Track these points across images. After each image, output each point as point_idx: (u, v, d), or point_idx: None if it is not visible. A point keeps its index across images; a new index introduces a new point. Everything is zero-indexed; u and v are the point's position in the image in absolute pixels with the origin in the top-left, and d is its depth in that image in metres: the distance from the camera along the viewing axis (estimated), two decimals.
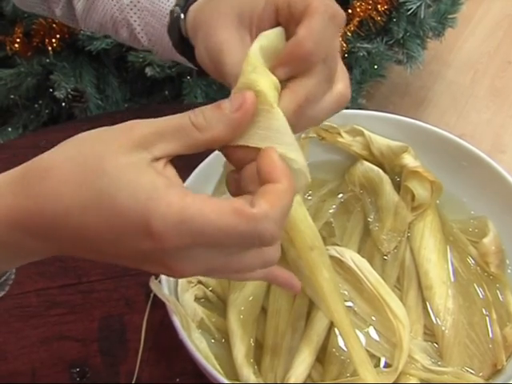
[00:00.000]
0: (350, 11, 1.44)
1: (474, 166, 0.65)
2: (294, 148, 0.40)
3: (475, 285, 0.62)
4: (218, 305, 0.60)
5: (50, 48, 1.30)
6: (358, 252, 0.62)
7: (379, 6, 1.48)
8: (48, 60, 1.33)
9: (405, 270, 0.63)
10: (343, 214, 0.67)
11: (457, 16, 1.65)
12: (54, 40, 1.30)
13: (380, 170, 0.66)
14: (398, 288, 0.62)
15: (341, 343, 0.57)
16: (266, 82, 0.40)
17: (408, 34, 1.57)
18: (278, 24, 0.46)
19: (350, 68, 1.52)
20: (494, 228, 0.64)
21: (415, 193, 0.64)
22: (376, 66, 1.56)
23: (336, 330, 0.57)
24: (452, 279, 0.62)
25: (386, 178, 0.66)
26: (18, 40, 1.30)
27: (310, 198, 0.68)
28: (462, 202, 0.67)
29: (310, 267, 0.52)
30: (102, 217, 0.36)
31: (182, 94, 1.34)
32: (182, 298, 0.57)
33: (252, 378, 0.54)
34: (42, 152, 0.40)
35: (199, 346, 0.55)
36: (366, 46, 1.50)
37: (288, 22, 0.45)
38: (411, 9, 1.50)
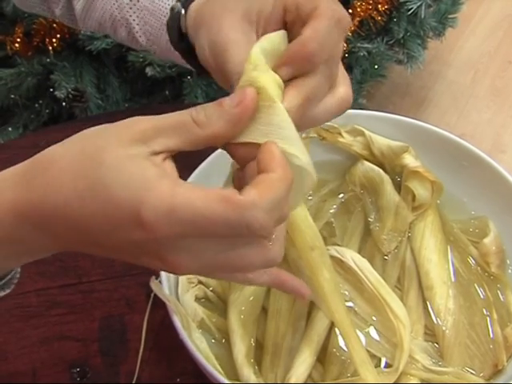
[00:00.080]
0: (350, 11, 1.44)
1: (474, 166, 0.65)
2: (296, 143, 0.39)
3: (476, 285, 0.62)
4: (218, 305, 0.60)
5: (50, 48, 1.31)
6: (359, 252, 0.62)
7: (380, 6, 1.48)
8: (48, 60, 1.33)
9: (405, 270, 0.63)
10: (344, 214, 0.67)
11: (457, 16, 1.65)
12: (54, 40, 1.30)
13: (381, 170, 0.66)
14: (399, 288, 0.62)
15: (341, 343, 0.57)
16: (267, 78, 0.41)
17: (408, 33, 1.57)
18: (284, 24, 0.47)
19: (350, 68, 1.52)
20: (495, 228, 0.64)
21: (416, 193, 0.64)
22: (376, 66, 1.56)
23: (336, 330, 0.57)
24: (453, 279, 0.62)
25: (386, 178, 0.66)
26: (19, 40, 1.30)
27: (310, 198, 0.68)
28: (462, 202, 0.67)
29: (311, 267, 0.52)
30: (97, 207, 0.37)
31: (183, 93, 1.34)
32: (183, 298, 0.57)
33: (252, 378, 0.54)
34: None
35: (200, 346, 0.55)
36: (366, 45, 1.50)
37: (294, 23, 0.45)
38: (412, 9, 1.50)
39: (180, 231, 0.36)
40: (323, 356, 0.57)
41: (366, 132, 0.67)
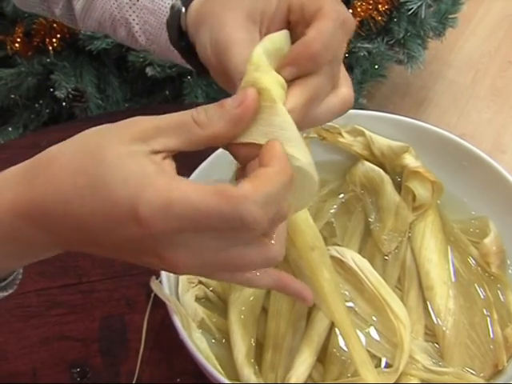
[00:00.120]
0: (350, 11, 1.44)
1: (474, 166, 0.65)
2: (297, 145, 0.39)
3: (476, 285, 0.62)
4: (218, 305, 0.60)
5: (50, 48, 1.30)
6: (359, 252, 0.62)
7: (380, 6, 1.48)
8: (48, 60, 1.33)
9: (406, 271, 0.63)
10: (344, 214, 0.67)
11: (457, 16, 1.65)
12: (54, 40, 1.30)
13: (381, 170, 0.66)
14: (399, 288, 0.62)
15: (342, 343, 0.57)
16: (269, 79, 0.41)
17: (409, 33, 1.57)
18: (288, 24, 0.47)
19: (350, 68, 1.52)
20: (495, 228, 0.64)
21: (416, 193, 0.64)
22: (377, 66, 1.56)
23: (337, 330, 0.57)
24: (453, 279, 0.62)
25: (386, 178, 0.66)
26: (19, 40, 1.30)
27: None
28: (462, 202, 0.67)
29: (311, 267, 0.52)
30: (97, 205, 0.37)
31: (183, 93, 1.34)
32: (183, 298, 0.57)
33: (253, 378, 0.54)
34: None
35: (200, 346, 0.55)
36: (366, 45, 1.50)
37: (298, 23, 0.46)
38: (412, 9, 1.50)
39: (176, 226, 0.35)
40: (323, 356, 0.57)
41: (367, 132, 0.67)
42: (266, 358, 0.57)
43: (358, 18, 1.45)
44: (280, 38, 0.44)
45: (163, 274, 0.56)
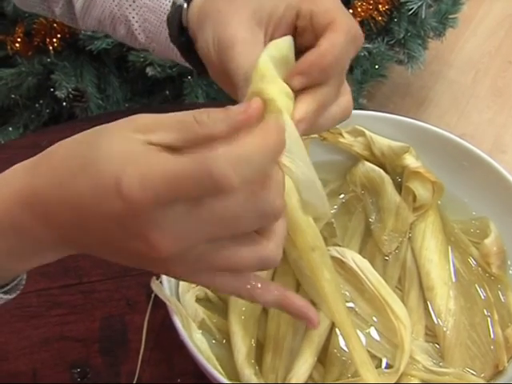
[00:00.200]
0: (350, 11, 1.44)
1: (475, 167, 0.65)
2: (295, 157, 0.40)
3: (477, 286, 0.62)
4: (219, 305, 0.60)
5: (50, 47, 1.31)
6: (360, 252, 0.62)
7: (380, 6, 1.48)
8: (49, 59, 1.33)
9: (406, 271, 0.63)
10: (344, 215, 0.67)
11: (458, 16, 1.65)
12: (54, 39, 1.30)
13: (381, 171, 0.66)
14: (400, 289, 0.62)
15: (342, 344, 0.57)
16: (275, 89, 0.41)
17: (409, 34, 1.57)
18: (295, 29, 0.47)
19: (351, 68, 1.51)
20: (496, 229, 0.64)
21: (417, 193, 0.64)
22: (377, 66, 1.56)
23: (337, 330, 0.57)
24: (453, 280, 0.62)
25: (387, 179, 0.66)
26: (19, 39, 1.30)
27: None
28: (463, 202, 0.67)
29: (311, 268, 0.52)
30: (86, 182, 0.37)
31: (183, 93, 1.34)
32: (183, 298, 0.57)
33: (253, 378, 0.54)
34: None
35: (200, 347, 0.55)
36: (367, 45, 1.50)
37: (305, 30, 0.47)
38: (412, 9, 1.50)
39: (152, 195, 0.35)
40: (324, 356, 0.57)
41: (367, 132, 0.67)
42: (266, 358, 0.57)
43: (359, 18, 1.45)
44: (285, 44, 0.45)
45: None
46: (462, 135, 0.72)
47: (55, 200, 0.39)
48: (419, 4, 1.49)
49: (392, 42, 1.57)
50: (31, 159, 0.41)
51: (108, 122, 0.40)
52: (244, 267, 0.40)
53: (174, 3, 0.57)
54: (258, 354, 0.57)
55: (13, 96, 1.34)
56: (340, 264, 0.59)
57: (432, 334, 0.59)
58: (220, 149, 0.35)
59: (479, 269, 0.63)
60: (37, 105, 1.39)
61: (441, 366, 0.57)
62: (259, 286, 0.43)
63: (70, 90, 1.30)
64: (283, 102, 0.41)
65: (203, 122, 0.38)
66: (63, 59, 1.34)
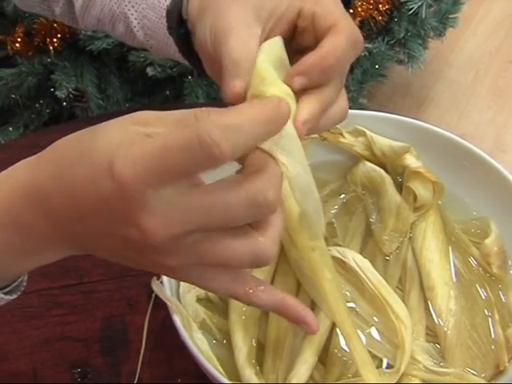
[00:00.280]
0: (351, 11, 1.44)
1: (475, 167, 0.65)
2: (291, 157, 0.40)
3: (477, 285, 0.62)
4: (219, 305, 0.60)
5: (51, 47, 1.31)
6: (360, 252, 0.62)
7: (380, 6, 1.48)
8: (49, 59, 1.33)
9: (407, 271, 0.63)
10: (345, 215, 0.67)
11: (458, 16, 1.66)
12: (55, 39, 1.30)
13: (382, 171, 0.66)
14: (400, 289, 0.62)
15: (343, 344, 0.57)
16: (276, 91, 0.41)
17: (409, 33, 1.57)
18: (294, 28, 0.48)
19: (351, 68, 1.52)
20: (496, 229, 0.64)
21: (417, 193, 0.64)
22: (377, 66, 1.56)
23: (338, 330, 0.57)
24: (454, 280, 0.62)
25: (388, 179, 0.66)
26: (19, 39, 1.30)
27: None
28: (464, 202, 0.67)
29: (312, 268, 0.52)
30: (81, 168, 0.37)
31: (183, 94, 1.34)
32: (184, 298, 0.57)
33: (254, 378, 0.54)
34: None
35: (201, 347, 0.55)
36: (367, 45, 1.50)
37: (306, 30, 0.47)
38: (412, 8, 1.50)
39: (144, 173, 0.35)
40: (325, 357, 0.57)
41: (368, 132, 0.67)
42: (267, 358, 0.57)
43: (359, 18, 1.45)
44: (277, 45, 0.45)
45: None
46: (463, 135, 0.72)
47: (54, 191, 0.39)
48: (419, 4, 1.49)
49: (392, 42, 1.57)
50: (36, 155, 0.41)
51: None
52: (237, 262, 0.39)
53: None
54: (259, 354, 0.57)
55: (13, 96, 1.34)
56: (341, 264, 0.59)
57: (433, 334, 0.59)
58: (211, 116, 0.35)
59: (480, 269, 0.63)
60: (37, 105, 1.39)
61: (441, 366, 0.57)
62: (256, 287, 0.42)
63: (71, 90, 1.30)
64: None
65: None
66: (63, 59, 1.34)
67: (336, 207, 0.67)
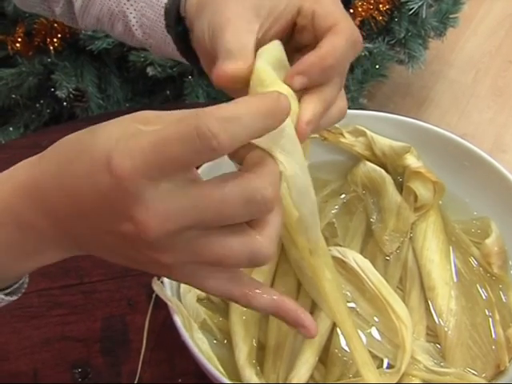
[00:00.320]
0: (351, 11, 1.44)
1: (476, 167, 0.65)
2: (290, 157, 0.40)
3: (478, 286, 0.62)
4: (220, 305, 0.60)
5: (51, 47, 1.31)
6: (361, 253, 0.62)
7: (381, 6, 1.48)
8: (49, 59, 1.33)
9: (407, 271, 0.63)
10: (346, 215, 0.67)
11: (458, 16, 1.66)
12: (55, 39, 1.30)
13: (382, 171, 0.66)
14: (401, 289, 0.62)
15: (343, 344, 0.57)
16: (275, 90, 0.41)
17: (409, 33, 1.57)
18: (293, 26, 0.48)
19: (351, 68, 1.52)
20: (497, 229, 0.64)
21: (418, 193, 0.64)
22: (377, 66, 1.56)
23: (338, 330, 0.57)
24: (455, 280, 0.62)
25: (388, 179, 0.66)
26: (20, 39, 1.30)
27: None
28: (464, 202, 0.67)
29: (313, 268, 0.52)
30: (82, 163, 0.37)
31: (184, 93, 1.34)
32: (185, 298, 0.57)
33: (254, 378, 0.54)
34: None
35: (201, 347, 0.55)
36: (367, 45, 1.50)
37: (305, 28, 0.47)
38: (413, 8, 1.50)
39: (142, 165, 0.34)
40: (325, 357, 0.57)
41: (368, 132, 0.67)
42: (267, 358, 0.57)
43: (359, 18, 1.45)
44: (276, 48, 0.45)
45: None
46: (463, 135, 0.72)
47: (54, 190, 0.39)
48: (420, 4, 1.49)
49: (393, 42, 1.57)
50: (37, 155, 0.42)
51: None
52: (234, 260, 0.38)
53: None
54: (260, 354, 0.57)
55: (13, 96, 1.34)
56: (341, 264, 0.59)
57: (433, 334, 0.59)
58: (209, 109, 0.35)
59: (480, 269, 0.63)
60: (37, 105, 1.39)
61: (442, 366, 0.56)
62: (254, 289, 0.42)
63: (71, 89, 1.30)
64: None
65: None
66: (64, 59, 1.34)
67: (336, 207, 0.67)
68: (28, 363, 0.64)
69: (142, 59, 1.28)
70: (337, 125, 0.67)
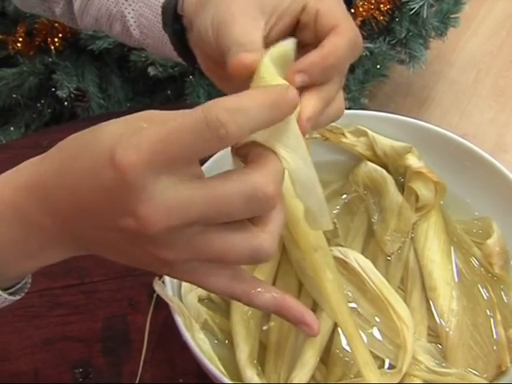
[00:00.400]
0: (352, 11, 1.44)
1: (477, 167, 0.65)
2: (293, 152, 0.40)
3: (479, 286, 0.62)
4: (221, 306, 0.60)
5: (52, 47, 1.31)
6: (362, 253, 0.62)
7: (382, 6, 1.48)
8: (50, 59, 1.33)
9: (409, 271, 0.63)
10: (347, 215, 0.67)
11: (459, 16, 1.65)
12: (56, 39, 1.30)
13: (384, 171, 0.66)
14: (402, 289, 0.62)
15: (344, 344, 0.57)
16: None
17: (410, 33, 1.57)
18: (296, 23, 0.48)
19: (352, 68, 1.52)
20: (498, 229, 0.64)
21: (419, 193, 0.64)
22: (378, 66, 1.56)
23: (340, 330, 0.57)
24: (456, 280, 0.62)
25: (389, 179, 0.66)
26: (21, 39, 1.30)
27: None
28: (465, 202, 0.67)
29: (314, 268, 0.52)
30: (85, 160, 0.37)
31: (185, 93, 1.34)
32: (186, 298, 0.57)
33: (255, 378, 0.54)
34: (45, 152, 0.41)
35: (202, 347, 0.55)
36: (368, 45, 1.50)
37: (307, 26, 0.47)
38: (414, 8, 1.50)
39: (150, 158, 0.34)
40: (326, 357, 0.57)
41: (370, 132, 0.67)
42: (268, 358, 0.57)
43: (360, 18, 1.45)
44: (288, 46, 0.45)
45: None
46: (464, 135, 0.72)
47: (57, 188, 0.39)
48: (421, 4, 1.49)
49: (393, 42, 1.57)
50: (40, 155, 0.42)
51: None
52: (235, 257, 0.38)
53: None
54: (261, 354, 0.57)
55: (14, 96, 1.34)
56: (342, 264, 0.59)
57: (434, 335, 0.59)
58: (216, 100, 0.35)
59: (482, 269, 0.63)
60: (38, 104, 1.39)
61: (443, 367, 0.56)
62: (256, 287, 0.42)
63: (72, 89, 1.30)
64: None
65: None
66: (65, 59, 1.34)
67: (338, 207, 0.67)
68: (29, 363, 0.64)
69: (143, 59, 1.28)
70: (338, 125, 0.67)
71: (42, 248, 0.42)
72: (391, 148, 0.66)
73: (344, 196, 0.68)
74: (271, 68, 0.42)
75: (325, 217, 0.45)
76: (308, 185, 0.42)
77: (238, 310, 0.58)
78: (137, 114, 0.38)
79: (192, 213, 0.36)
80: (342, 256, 0.59)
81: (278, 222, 0.39)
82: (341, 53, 0.45)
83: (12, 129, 1.39)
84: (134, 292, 0.68)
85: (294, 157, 0.40)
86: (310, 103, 0.44)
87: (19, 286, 0.47)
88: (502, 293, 0.61)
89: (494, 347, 0.58)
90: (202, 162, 0.62)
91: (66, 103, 1.34)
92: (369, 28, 1.51)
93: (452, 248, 0.64)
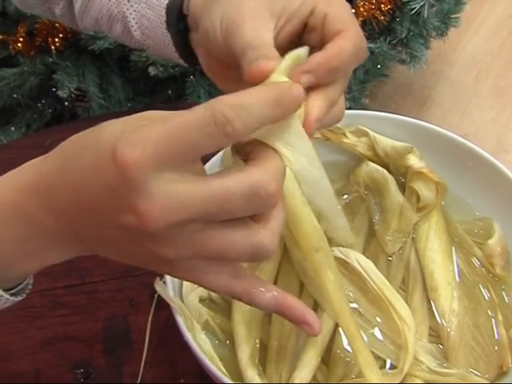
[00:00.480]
0: (353, 11, 1.44)
1: (478, 167, 0.65)
2: (297, 151, 0.40)
3: (481, 286, 0.62)
4: (222, 306, 0.60)
5: (52, 47, 1.31)
6: (363, 253, 0.62)
7: (383, 6, 1.48)
8: (51, 59, 1.33)
9: (410, 271, 0.63)
10: (348, 215, 0.66)
11: (460, 16, 1.65)
12: (56, 39, 1.30)
13: (385, 171, 0.66)
14: (403, 289, 0.62)
15: (346, 344, 0.57)
16: None
17: (411, 33, 1.57)
18: (304, 26, 0.49)
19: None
20: (499, 229, 0.63)
21: (420, 194, 0.64)
22: (379, 66, 1.56)
23: (341, 331, 0.57)
24: (457, 280, 0.62)
25: (390, 179, 0.66)
26: (21, 39, 1.30)
27: None
28: (466, 202, 0.67)
29: (315, 268, 0.52)
30: (88, 157, 0.37)
31: (185, 93, 1.34)
32: (187, 298, 0.57)
33: (256, 379, 0.54)
34: (46, 152, 0.41)
35: (204, 347, 0.55)
36: (369, 45, 1.50)
37: (314, 29, 0.48)
38: (414, 8, 1.50)
39: (152, 155, 0.34)
40: (328, 357, 0.57)
41: (371, 133, 0.67)
42: (270, 359, 0.57)
43: (361, 18, 1.45)
44: (302, 54, 0.46)
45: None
46: (465, 135, 0.72)
47: (59, 187, 0.39)
48: (421, 3, 1.49)
49: (394, 42, 1.57)
50: (43, 155, 0.42)
51: None
52: (236, 254, 0.38)
53: None
54: (262, 354, 0.57)
55: (15, 96, 1.34)
56: (344, 264, 0.59)
57: (436, 335, 0.59)
58: (220, 97, 0.36)
59: (483, 269, 0.63)
60: (39, 104, 1.39)
61: (445, 367, 0.56)
62: (257, 286, 0.41)
63: (72, 89, 1.30)
64: None
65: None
66: (65, 59, 1.34)
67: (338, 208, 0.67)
68: (30, 363, 0.64)
69: (144, 59, 1.28)
70: (339, 125, 0.67)
71: (45, 248, 0.42)
72: (392, 148, 0.66)
73: (345, 196, 0.68)
74: (283, 77, 0.43)
75: (337, 213, 0.45)
76: (314, 183, 0.42)
77: (240, 311, 0.58)
78: (139, 113, 0.38)
79: (193, 210, 0.36)
80: (343, 256, 0.59)
81: (279, 219, 0.39)
82: (345, 56, 0.46)
83: (13, 129, 1.39)
84: (135, 292, 0.68)
85: (297, 155, 0.40)
86: (317, 103, 0.44)
87: (21, 286, 0.47)
88: (504, 293, 0.61)
89: (496, 347, 0.58)
90: (204, 161, 0.62)
91: (66, 103, 1.34)
92: (369, 28, 1.51)
93: (453, 248, 0.64)
